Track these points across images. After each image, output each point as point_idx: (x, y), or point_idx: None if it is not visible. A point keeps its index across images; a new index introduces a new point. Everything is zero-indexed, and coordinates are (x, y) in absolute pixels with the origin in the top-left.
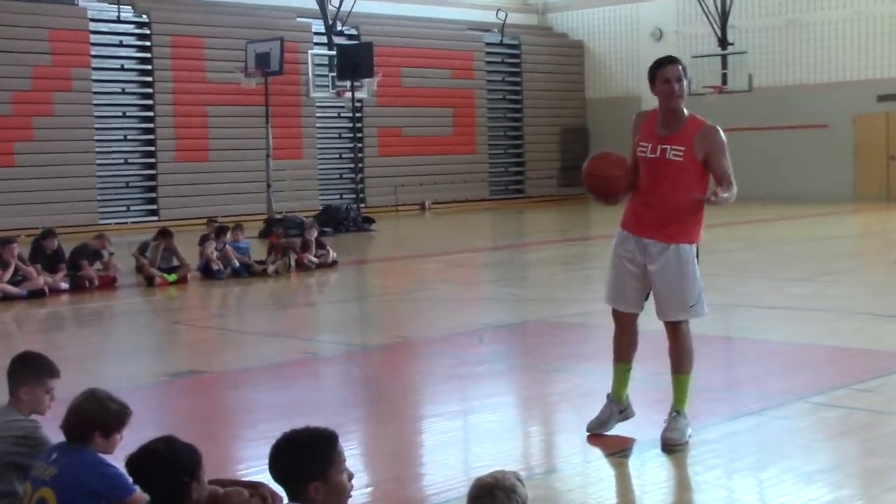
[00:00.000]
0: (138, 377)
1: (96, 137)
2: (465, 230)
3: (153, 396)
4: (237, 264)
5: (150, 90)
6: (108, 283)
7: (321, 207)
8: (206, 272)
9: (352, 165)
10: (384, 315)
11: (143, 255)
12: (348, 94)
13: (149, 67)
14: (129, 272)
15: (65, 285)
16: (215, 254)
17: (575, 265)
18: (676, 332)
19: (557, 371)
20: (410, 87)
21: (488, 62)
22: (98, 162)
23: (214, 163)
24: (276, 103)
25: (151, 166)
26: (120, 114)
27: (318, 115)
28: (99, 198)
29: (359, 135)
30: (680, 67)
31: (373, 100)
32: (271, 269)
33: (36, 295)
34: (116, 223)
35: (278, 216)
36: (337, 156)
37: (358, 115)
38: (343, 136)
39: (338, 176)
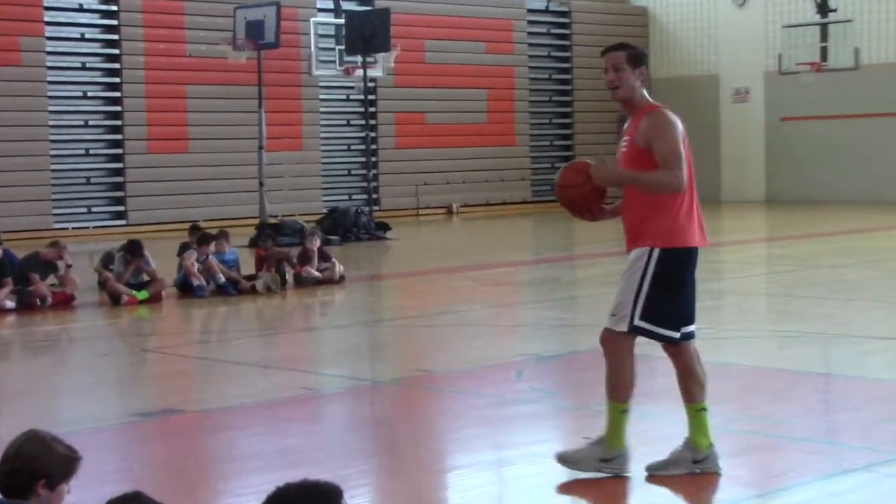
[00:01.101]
0: (101, 417)
1: (51, 122)
2: (502, 240)
3: (119, 442)
4: (222, 279)
5: (116, 65)
6: (65, 302)
7: (326, 211)
8: (185, 288)
9: (363, 160)
10: (401, 343)
11: (108, 267)
12: (359, 73)
13: (115, 37)
14: (90, 288)
15: (11, 304)
16: (196, 266)
17: None
18: (604, 344)
19: None
20: (435, 64)
21: (531, 33)
22: (53, 153)
23: (195, 155)
24: (270, 83)
25: (118, 159)
26: (80, 94)
27: (322, 97)
28: (54, 196)
29: (372, 122)
30: (625, 54)
31: (389, 79)
32: (259, 284)
33: None
34: (75, 228)
35: (273, 221)
36: (345, 148)
37: (371, 97)
38: (353, 123)
39: (346, 172)
